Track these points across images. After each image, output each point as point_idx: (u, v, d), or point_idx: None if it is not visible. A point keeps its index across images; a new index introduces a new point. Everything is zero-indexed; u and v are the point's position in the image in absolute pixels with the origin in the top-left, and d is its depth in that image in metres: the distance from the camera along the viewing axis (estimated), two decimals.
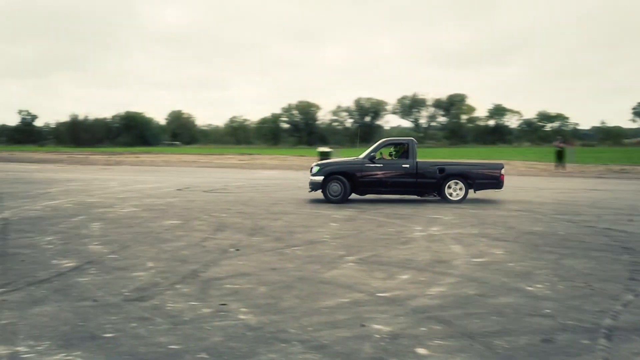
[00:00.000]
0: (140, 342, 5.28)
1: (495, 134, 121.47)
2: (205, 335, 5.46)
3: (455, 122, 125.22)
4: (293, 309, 6.39)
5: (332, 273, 8.15)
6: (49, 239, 10.75)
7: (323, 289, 7.26)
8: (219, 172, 35.68)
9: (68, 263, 8.63)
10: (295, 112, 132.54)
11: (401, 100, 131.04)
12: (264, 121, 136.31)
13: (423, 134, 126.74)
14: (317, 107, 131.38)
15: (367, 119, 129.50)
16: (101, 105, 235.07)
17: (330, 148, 44.37)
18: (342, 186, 17.62)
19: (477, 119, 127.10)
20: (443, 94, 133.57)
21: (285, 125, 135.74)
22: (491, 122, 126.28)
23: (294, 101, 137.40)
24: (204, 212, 14.77)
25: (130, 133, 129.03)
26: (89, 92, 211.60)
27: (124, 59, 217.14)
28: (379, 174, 17.71)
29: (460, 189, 17.94)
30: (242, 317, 6.06)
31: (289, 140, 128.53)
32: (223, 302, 6.59)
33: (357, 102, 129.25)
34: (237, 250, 9.75)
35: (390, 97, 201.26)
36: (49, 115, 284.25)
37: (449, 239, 10.96)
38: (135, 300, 6.66)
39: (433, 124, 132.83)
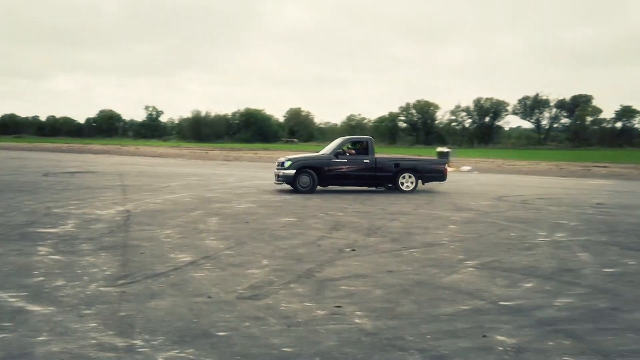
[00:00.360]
0: (254, 342, 5.15)
1: (623, 137, 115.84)
2: (319, 339, 5.27)
3: (579, 124, 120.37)
4: (411, 314, 6.12)
5: (452, 278, 7.83)
6: (167, 232, 10.93)
7: (442, 295, 6.95)
8: None
9: (185, 257, 8.70)
10: (413, 111, 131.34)
11: (522, 101, 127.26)
12: (381, 120, 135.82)
13: (544, 136, 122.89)
14: (436, 107, 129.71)
15: (487, 119, 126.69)
16: (222, 102, 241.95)
17: (448, 148, 43.63)
18: (311, 178, 19.68)
19: (603, 120, 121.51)
20: (567, 94, 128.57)
21: (403, 125, 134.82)
22: (618, 125, 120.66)
23: (412, 100, 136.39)
24: (320, 210, 14.70)
25: (250, 129, 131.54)
26: (211, 89, 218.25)
27: (246, 57, 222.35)
28: (344, 168, 20.04)
29: (412, 181, 20.69)
30: (357, 321, 5.85)
31: (407, 139, 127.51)
32: (338, 305, 6.40)
33: (477, 102, 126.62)
34: (353, 250, 9.57)
35: (511, 97, 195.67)
36: (173, 111, 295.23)
37: (576, 246, 10.36)
38: (249, 299, 6.58)
39: (555, 125, 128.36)
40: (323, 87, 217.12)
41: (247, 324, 5.66)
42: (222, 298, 6.59)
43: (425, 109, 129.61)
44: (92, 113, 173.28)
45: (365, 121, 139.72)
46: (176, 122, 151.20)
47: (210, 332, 5.39)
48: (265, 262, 8.53)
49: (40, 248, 9.23)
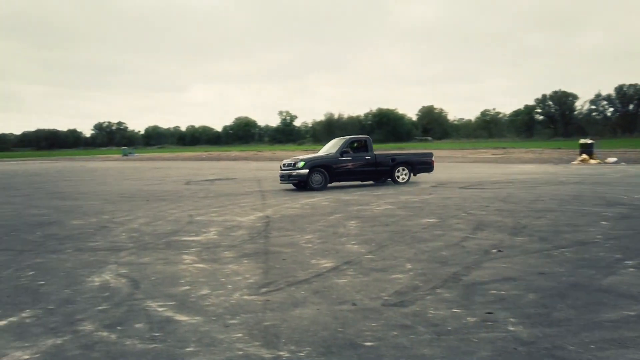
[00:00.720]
0: (403, 353, 4.91)
1: None
2: (471, 349, 4.96)
3: None
4: (569, 321, 5.67)
5: (610, 280, 7.25)
6: (307, 237, 10.88)
7: (602, 299, 6.42)
8: (472, 167, 34.95)
9: (326, 263, 8.58)
10: (550, 102, 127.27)
11: None
12: (517, 113, 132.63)
13: None
14: (574, 97, 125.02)
15: (631, 107, 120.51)
16: (354, 103, 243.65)
17: (591, 139, 41.75)
18: (323, 176, 21.80)
19: None
20: None
21: (540, 117, 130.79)
22: None
23: (548, 91, 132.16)
24: (461, 209, 14.26)
25: (383, 129, 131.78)
26: (343, 91, 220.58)
27: (375, 57, 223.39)
28: (349, 165, 22.47)
29: (406, 173, 23.64)
30: (511, 328, 5.47)
31: (544, 132, 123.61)
32: (489, 311, 6.04)
33: (619, 89, 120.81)
34: (500, 251, 9.12)
35: None
36: (306, 115, 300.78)
37: None
38: (395, 306, 6.33)
39: None
40: (455, 82, 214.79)
41: (395, 333, 5.42)
42: (367, 305, 6.38)
43: (563, 100, 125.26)
44: (229, 121, 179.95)
45: (500, 115, 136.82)
46: (310, 125, 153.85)
47: (356, 343, 5.19)
48: (408, 266, 8.27)
49: (185, 257, 9.40)
